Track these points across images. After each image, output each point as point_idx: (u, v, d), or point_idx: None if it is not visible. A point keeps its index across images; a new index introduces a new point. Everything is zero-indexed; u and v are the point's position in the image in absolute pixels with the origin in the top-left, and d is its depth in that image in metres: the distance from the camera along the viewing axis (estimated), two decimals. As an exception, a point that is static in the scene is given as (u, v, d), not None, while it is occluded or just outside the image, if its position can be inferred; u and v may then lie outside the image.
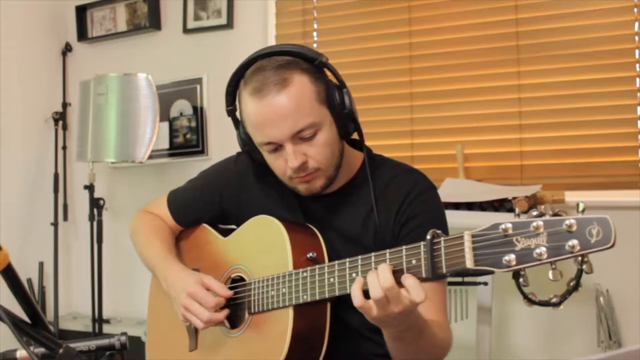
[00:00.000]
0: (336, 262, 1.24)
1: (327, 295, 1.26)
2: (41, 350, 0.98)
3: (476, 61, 2.74)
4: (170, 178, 3.18)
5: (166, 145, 3.27)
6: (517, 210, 1.20)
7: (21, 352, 1.00)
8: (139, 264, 1.63)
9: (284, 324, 1.31)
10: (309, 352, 1.32)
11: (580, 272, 1.99)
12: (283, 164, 1.36)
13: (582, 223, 0.93)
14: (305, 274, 1.29)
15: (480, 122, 2.73)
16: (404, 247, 1.13)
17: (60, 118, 3.42)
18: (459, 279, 2.30)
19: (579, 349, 2.48)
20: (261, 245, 1.43)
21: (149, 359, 1.66)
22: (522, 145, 2.66)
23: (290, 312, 1.31)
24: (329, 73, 1.39)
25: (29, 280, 3.25)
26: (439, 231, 1.09)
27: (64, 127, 3.44)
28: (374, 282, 1.11)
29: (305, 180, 1.37)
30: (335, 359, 1.36)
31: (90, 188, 3.05)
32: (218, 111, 3.03)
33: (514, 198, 2.28)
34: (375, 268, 1.13)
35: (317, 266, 1.28)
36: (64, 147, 3.42)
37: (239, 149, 1.52)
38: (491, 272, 2.26)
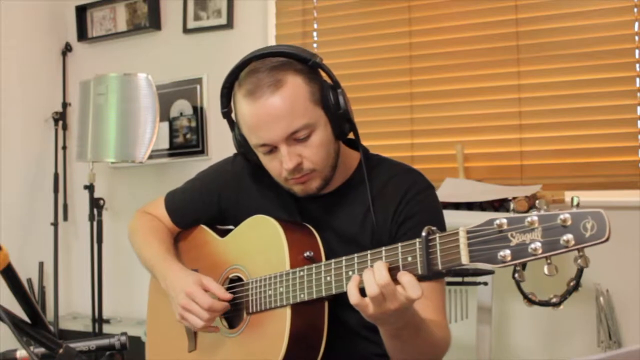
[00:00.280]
0: (333, 260, 1.24)
1: (324, 294, 1.26)
2: (41, 350, 0.98)
3: (476, 61, 2.74)
4: (170, 178, 3.18)
5: (166, 145, 3.27)
6: (512, 205, 1.20)
7: (21, 352, 1.00)
8: (139, 264, 1.63)
9: (281, 323, 1.31)
10: (308, 351, 1.32)
11: (580, 272, 1.99)
12: (278, 166, 1.36)
13: (577, 217, 0.93)
14: (302, 273, 1.29)
15: (480, 122, 2.73)
16: (399, 244, 1.13)
17: (60, 118, 3.42)
18: (459, 279, 2.30)
19: (579, 349, 2.48)
20: (258, 245, 1.43)
21: (148, 360, 1.66)
22: (522, 145, 2.66)
23: (287, 311, 1.31)
24: (323, 74, 1.39)
25: (29, 280, 3.25)
26: (434, 228, 1.09)
27: (64, 127, 3.44)
28: (370, 280, 1.11)
29: (300, 181, 1.37)
30: (333, 358, 1.36)
31: (90, 188, 3.05)
32: (218, 111, 3.00)
33: (514, 198, 2.28)
34: (371, 266, 1.14)
35: (314, 265, 1.28)
36: (64, 147, 3.42)
37: None
38: (491, 272, 2.27)
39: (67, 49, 3.53)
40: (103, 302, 3.05)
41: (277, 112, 1.30)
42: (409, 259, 1.11)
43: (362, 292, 1.13)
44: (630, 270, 2.39)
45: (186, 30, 3.27)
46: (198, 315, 1.38)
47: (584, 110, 2.57)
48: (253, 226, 1.46)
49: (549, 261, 0.97)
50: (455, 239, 1.04)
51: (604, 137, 2.54)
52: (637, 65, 2.50)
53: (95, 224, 3.06)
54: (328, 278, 1.25)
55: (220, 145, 3.13)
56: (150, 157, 3.04)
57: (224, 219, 1.59)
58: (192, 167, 2.86)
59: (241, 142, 1.43)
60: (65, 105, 3.47)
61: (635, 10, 2.50)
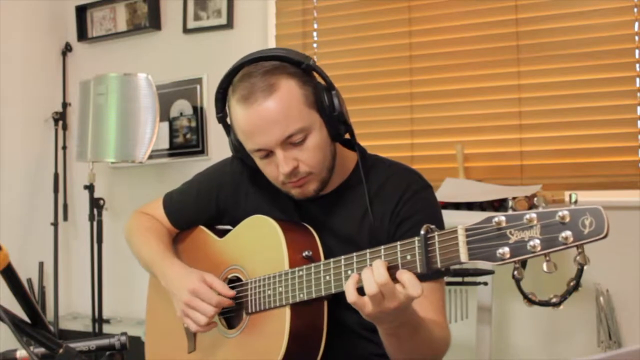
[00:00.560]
0: (331, 260, 1.24)
1: (323, 294, 1.26)
2: (41, 350, 0.98)
3: (476, 61, 2.74)
4: (170, 178, 3.18)
5: (166, 145, 3.27)
6: (510, 203, 1.19)
7: (21, 352, 1.00)
8: (139, 264, 1.63)
9: (281, 323, 1.31)
10: (307, 351, 1.32)
11: (580, 272, 1.99)
12: (275, 170, 1.36)
13: (575, 214, 0.93)
14: (301, 273, 1.29)
15: (480, 122, 2.73)
16: (398, 243, 1.13)
17: (60, 118, 3.42)
18: (459, 279, 2.30)
19: (579, 349, 2.48)
20: (257, 245, 1.43)
21: (148, 361, 1.66)
22: (522, 145, 2.66)
23: (287, 311, 1.31)
24: (318, 76, 1.38)
25: (29, 280, 3.25)
26: (432, 226, 1.09)
27: (64, 127, 3.44)
28: (369, 278, 1.11)
29: (298, 185, 1.37)
30: (333, 358, 1.36)
31: (90, 188, 3.05)
32: (218, 111, 3.02)
33: (514, 198, 2.28)
34: (370, 265, 1.13)
35: (312, 264, 1.28)
36: (64, 147, 3.42)
37: None
38: (491, 272, 2.27)
39: (67, 49, 3.53)
40: (103, 302, 3.05)
41: (271, 116, 1.30)
42: (408, 257, 1.11)
43: (361, 291, 1.13)
44: (630, 270, 2.39)
45: (186, 30, 3.27)
46: (203, 312, 1.37)
47: (584, 110, 2.57)
48: (252, 226, 1.46)
49: (547, 258, 0.97)
50: (454, 237, 1.04)
51: (604, 137, 2.54)
52: (637, 65, 2.50)
53: (95, 224, 3.06)
54: (327, 277, 1.25)
55: (220, 145, 3.13)
56: (150, 157, 3.05)
57: (222, 220, 1.59)
58: (192, 167, 2.86)
59: (237, 146, 1.43)
60: (65, 105, 3.47)
61: (635, 10, 2.50)
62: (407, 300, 1.11)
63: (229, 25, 3.17)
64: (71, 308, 3.52)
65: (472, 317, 2.41)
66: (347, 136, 1.42)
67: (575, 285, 2.04)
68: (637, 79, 2.50)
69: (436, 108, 2.81)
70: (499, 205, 2.33)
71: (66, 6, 3.55)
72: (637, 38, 2.50)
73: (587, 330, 2.45)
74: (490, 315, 2.39)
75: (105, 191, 3.36)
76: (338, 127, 1.37)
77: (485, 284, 2.32)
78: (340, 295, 1.22)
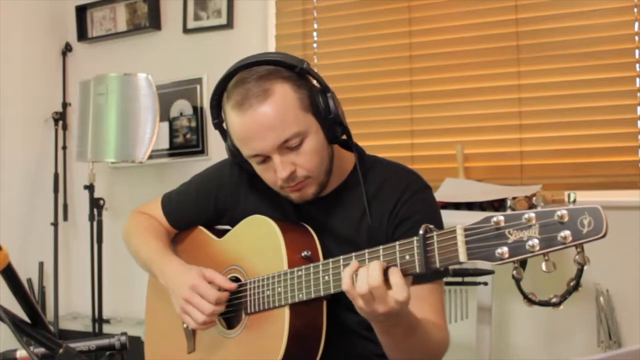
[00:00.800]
0: (330, 260, 1.24)
1: (322, 294, 1.26)
2: (41, 350, 0.98)
3: (476, 61, 2.74)
4: (170, 178, 3.18)
5: (166, 145, 3.27)
6: (509, 203, 1.19)
7: (21, 352, 1.00)
8: (139, 264, 1.63)
9: (280, 323, 1.31)
10: (307, 351, 1.32)
11: (580, 272, 1.99)
12: (273, 175, 1.36)
13: (574, 214, 0.93)
14: (300, 273, 1.29)
15: (480, 122, 2.73)
16: (397, 243, 1.13)
17: (60, 118, 3.42)
18: (459, 279, 2.30)
19: (579, 349, 2.48)
20: (256, 245, 1.43)
21: (147, 362, 1.66)
22: (522, 145, 2.66)
23: (286, 311, 1.31)
24: (312, 79, 1.38)
25: (29, 280, 3.25)
26: (431, 226, 1.09)
27: (64, 127, 3.44)
28: (362, 276, 1.12)
29: (296, 188, 1.37)
30: (332, 358, 1.36)
31: (90, 188, 3.05)
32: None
33: (514, 198, 2.28)
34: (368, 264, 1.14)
35: (311, 264, 1.28)
36: (64, 147, 3.42)
37: None
38: (491, 272, 2.27)
39: (67, 49, 3.53)
40: (103, 302, 3.05)
41: (267, 122, 1.29)
42: (407, 257, 1.11)
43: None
44: (630, 270, 2.39)
45: (186, 30, 3.27)
46: (202, 309, 1.37)
47: (584, 110, 2.57)
48: (250, 226, 1.46)
49: (546, 258, 0.97)
50: (453, 237, 1.04)
51: (604, 137, 2.54)
52: (637, 65, 2.50)
53: (95, 224, 3.06)
54: (326, 277, 1.25)
55: (220, 146, 3.08)
56: (150, 157, 3.04)
57: (221, 220, 1.59)
58: (192, 167, 2.86)
59: (234, 152, 1.43)
60: (65, 105, 3.47)
61: (635, 10, 2.50)
62: (397, 306, 1.11)
63: (229, 25, 3.17)
64: (71, 308, 3.52)
65: (472, 317, 2.41)
66: (344, 137, 1.42)
67: (575, 285, 2.04)
68: (637, 79, 2.50)
69: (436, 108, 2.81)
70: (499, 205, 2.33)
71: (66, 6, 3.55)
72: (637, 38, 2.50)
73: (587, 330, 2.45)
74: (490, 315, 2.39)
75: (105, 191, 3.36)
76: (334, 129, 1.36)
77: (485, 284, 2.32)
78: (340, 295, 1.22)
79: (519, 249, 0.97)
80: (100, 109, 2.91)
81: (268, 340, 1.34)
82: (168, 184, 1.77)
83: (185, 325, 1.53)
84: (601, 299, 2.38)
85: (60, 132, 3.43)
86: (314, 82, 1.37)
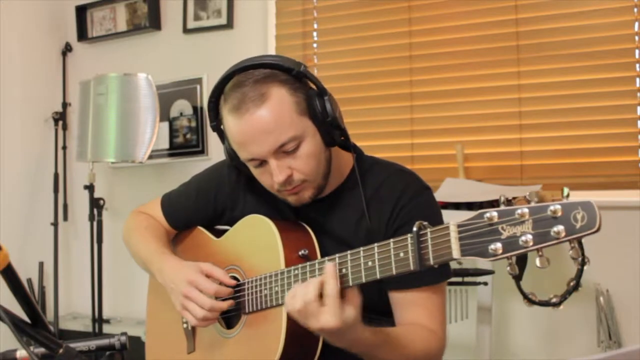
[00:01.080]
0: (326, 258, 1.24)
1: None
2: (41, 350, 0.98)
3: (476, 61, 2.74)
4: (170, 178, 3.17)
5: (166, 145, 3.27)
6: (502, 199, 1.19)
7: (21, 352, 1.00)
8: (139, 264, 1.63)
9: (278, 322, 1.31)
10: (305, 350, 1.32)
11: (580, 272, 1.99)
12: (269, 178, 1.36)
13: (567, 208, 0.92)
14: (296, 272, 1.28)
15: (480, 122, 2.73)
16: (391, 240, 1.13)
17: (60, 118, 3.42)
18: (459, 279, 2.30)
19: (579, 349, 2.48)
20: (253, 245, 1.43)
21: (147, 362, 1.66)
22: (522, 145, 2.66)
23: (283, 310, 1.31)
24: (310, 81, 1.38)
25: (29, 280, 3.25)
26: (425, 223, 1.09)
27: (64, 127, 3.44)
28: (300, 293, 1.16)
29: (293, 192, 1.37)
30: (331, 358, 1.36)
31: (90, 188, 3.05)
32: (218, 111, 3.02)
33: (514, 198, 2.28)
34: (321, 273, 1.18)
35: (307, 263, 1.28)
36: (64, 147, 3.42)
37: None
38: (491, 272, 2.27)
39: (67, 49, 3.53)
40: (103, 302, 3.05)
41: (263, 126, 1.29)
42: (401, 254, 1.11)
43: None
44: (630, 270, 2.39)
45: (186, 30, 3.27)
46: (202, 303, 1.36)
47: (584, 110, 2.57)
48: (248, 226, 1.46)
49: (540, 253, 0.96)
50: (446, 234, 1.04)
51: (604, 137, 2.54)
52: (637, 65, 2.50)
53: (95, 224, 3.06)
54: None
55: (220, 146, 3.06)
56: (150, 157, 3.04)
57: (220, 220, 1.59)
58: (192, 167, 2.86)
59: (232, 154, 1.43)
60: (65, 105, 3.47)
61: (635, 10, 2.50)
62: (332, 323, 1.13)
63: (229, 25, 3.17)
64: (71, 308, 3.52)
65: (472, 317, 2.41)
66: (342, 138, 1.42)
67: (575, 285, 2.05)
68: (637, 79, 2.50)
69: (436, 108, 2.81)
70: (498, 205, 2.32)
71: (66, 6, 3.55)
72: (637, 38, 2.50)
73: (587, 330, 2.45)
74: (490, 315, 2.39)
75: (105, 191, 3.36)
76: (332, 132, 1.36)
77: (485, 284, 2.32)
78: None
79: (512, 244, 0.96)
80: (100, 109, 2.91)
81: (266, 339, 1.34)
82: (168, 184, 1.77)
83: (185, 326, 1.53)
84: (601, 299, 2.38)
85: (60, 132, 3.43)
86: (312, 84, 1.37)
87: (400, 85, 2.88)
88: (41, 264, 3.32)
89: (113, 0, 3.44)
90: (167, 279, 1.46)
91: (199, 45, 3.25)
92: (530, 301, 2.12)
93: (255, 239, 1.42)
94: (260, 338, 1.36)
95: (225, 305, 1.38)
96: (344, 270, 1.19)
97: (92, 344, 1.05)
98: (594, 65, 2.54)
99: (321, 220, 1.44)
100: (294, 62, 1.34)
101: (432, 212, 1.42)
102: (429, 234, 1.07)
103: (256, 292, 1.37)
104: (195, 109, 3.21)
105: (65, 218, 3.43)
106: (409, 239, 1.10)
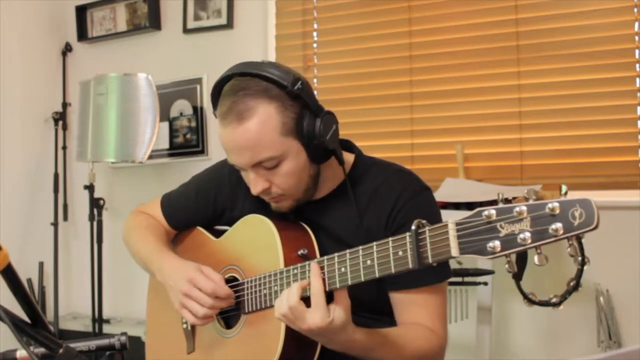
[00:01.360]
0: (325, 257, 1.24)
1: None
2: (41, 350, 0.98)
3: (476, 61, 2.74)
4: (170, 178, 3.18)
5: (166, 145, 3.27)
6: (499, 196, 1.19)
7: (21, 352, 1.00)
8: (139, 264, 1.63)
9: (277, 322, 1.30)
10: (304, 350, 1.32)
11: (580, 272, 1.99)
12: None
13: (565, 206, 0.92)
14: (295, 271, 1.28)
15: (480, 122, 2.73)
16: (390, 239, 1.13)
17: (60, 118, 3.42)
18: (459, 279, 2.30)
19: (579, 349, 2.48)
20: (253, 245, 1.43)
21: (147, 363, 1.66)
22: (522, 145, 2.66)
23: None
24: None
25: (29, 280, 3.25)
26: (424, 221, 1.09)
27: (64, 127, 3.44)
28: (284, 297, 1.19)
29: (272, 200, 1.40)
30: (330, 357, 1.36)
31: (90, 188, 3.05)
32: (218, 111, 3.02)
33: (514, 198, 2.28)
34: (342, 268, 1.19)
35: (306, 262, 1.28)
36: (64, 147, 3.42)
37: None
38: (491, 272, 2.27)
39: (67, 49, 3.53)
40: (103, 302, 3.05)
41: (242, 142, 1.30)
42: (400, 253, 1.11)
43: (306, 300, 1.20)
44: (630, 270, 2.39)
45: (186, 30, 3.27)
46: (202, 301, 1.36)
47: (584, 110, 2.57)
48: (247, 226, 1.46)
49: (538, 251, 0.96)
50: (445, 232, 1.04)
51: (604, 137, 2.54)
52: (637, 65, 2.50)
53: (95, 224, 3.06)
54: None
55: (220, 145, 3.12)
56: (150, 157, 3.04)
57: (220, 221, 1.60)
58: (192, 167, 2.86)
59: None
60: (65, 105, 3.47)
61: (635, 10, 2.50)
62: (319, 324, 1.15)
63: (229, 25, 3.16)
64: (71, 308, 3.52)
65: (472, 317, 2.41)
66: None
67: (575, 285, 2.04)
68: (637, 79, 2.50)
69: (436, 108, 2.81)
70: (499, 205, 2.32)
71: (66, 6, 3.55)
72: (637, 38, 2.50)
73: (587, 330, 2.45)
74: (490, 315, 2.39)
75: (105, 191, 3.36)
76: (319, 153, 1.35)
77: (485, 284, 2.32)
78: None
79: (510, 242, 0.96)
80: (100, 109, 2.91)
81: (265, 339, 1.34)
82: (168, 184, 1.77)
83: (184, 326, 1.53)
84: (601, 299, 2.38)
85: (60, 132, 3.43)
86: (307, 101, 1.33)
87: (400, 85, 2.88)
88: (41, 264, 3.32)
89: (113, 0, 3.44)
90: (167, 278, 1.46)
91: (199, 45, 3.25)
92: (530, 301, 2.12)
93: (255, 239, 1.42)
94: (260, 338, 1.36)
95: (224, 302, 1.38)
96: (342, 270, 1.19)
97: (92, 344, 1.05)
98: (594, 65, 2.54)
99: (320, 219, 1.44)
100: (292, 77, 1.30)
101: (432, 212, 1.41)
102: (427, 232, 1.07)
103: (255, 291, 1.37)
104: (195, 109, 3.21)
105: (65, 218, 3.43)
106: (407, 237, 1.10)
